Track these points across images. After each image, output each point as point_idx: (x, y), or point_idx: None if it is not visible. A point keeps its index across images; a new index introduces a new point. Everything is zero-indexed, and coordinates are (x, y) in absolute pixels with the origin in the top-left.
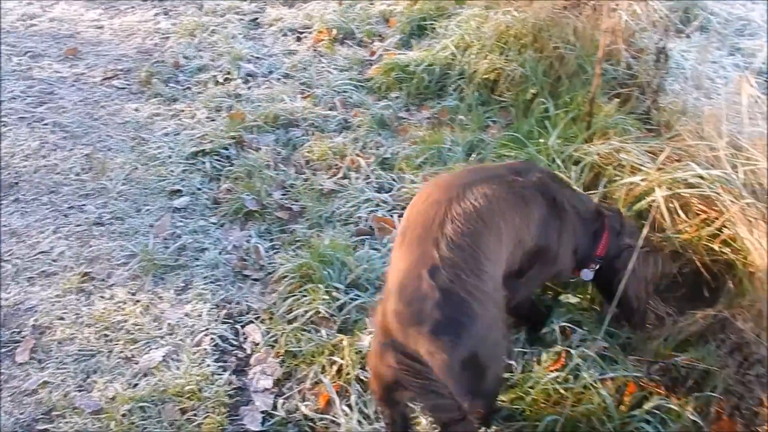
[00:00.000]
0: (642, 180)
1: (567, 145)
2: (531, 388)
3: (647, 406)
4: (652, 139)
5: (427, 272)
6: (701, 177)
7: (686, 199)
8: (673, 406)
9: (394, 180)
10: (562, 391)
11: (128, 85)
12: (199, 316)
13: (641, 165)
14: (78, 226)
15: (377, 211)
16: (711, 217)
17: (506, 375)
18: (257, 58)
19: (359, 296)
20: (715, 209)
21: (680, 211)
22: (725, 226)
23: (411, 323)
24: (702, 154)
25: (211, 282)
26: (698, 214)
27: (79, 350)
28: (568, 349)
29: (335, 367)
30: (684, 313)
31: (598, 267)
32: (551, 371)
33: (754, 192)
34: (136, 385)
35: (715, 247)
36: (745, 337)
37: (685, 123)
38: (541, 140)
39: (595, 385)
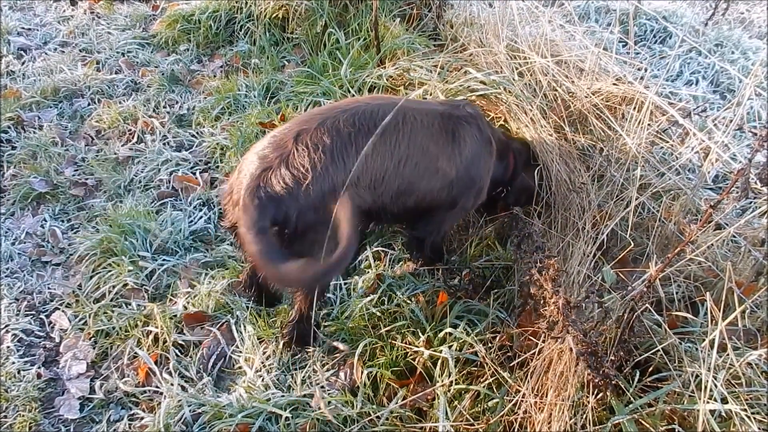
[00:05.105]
0: (425, 92)
1: (360, 72)
2: (347, 318)
3: (454, 311)
4: (439, 53)
5: None
6: (483, 82)
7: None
8: (481, 307)
9: (193, 136)
10: (378, 313)
11: None
12: None
13: (428, 80)
14: None
15: (178, 170)
16: (496, 116)
17: (325, 310)
18: (29, 29)
19: (167, 260)
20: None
21: None
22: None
23: None
24: (483, 60)
25: (7, 276)
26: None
27: None
28: (381, 273)
29: (151, 337)
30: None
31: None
32: (366, 296)
33: (534, 90)
34: None
35: None
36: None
37: (469, 34)
38: (335, 72)
39: (407, 301)
